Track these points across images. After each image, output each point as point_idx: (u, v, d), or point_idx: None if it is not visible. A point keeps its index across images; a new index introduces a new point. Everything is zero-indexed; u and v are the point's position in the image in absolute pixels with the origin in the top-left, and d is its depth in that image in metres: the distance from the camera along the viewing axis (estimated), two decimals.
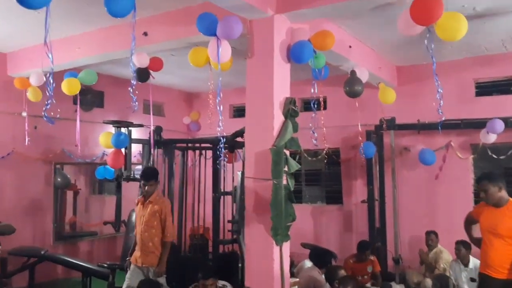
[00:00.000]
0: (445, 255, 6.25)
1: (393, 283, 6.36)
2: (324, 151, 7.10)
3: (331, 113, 7.29)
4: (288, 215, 4.18)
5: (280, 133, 4.27)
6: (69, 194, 7.84)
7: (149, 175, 4.98)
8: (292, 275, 5.40)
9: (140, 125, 6.62)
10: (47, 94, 3.19)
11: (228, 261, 6.06)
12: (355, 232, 7.90)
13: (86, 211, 8.31)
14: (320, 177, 8.61)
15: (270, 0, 4.31)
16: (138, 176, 6.47)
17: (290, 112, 4.35)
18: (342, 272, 4.77)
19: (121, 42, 5.44)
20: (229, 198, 6.72)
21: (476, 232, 4.28)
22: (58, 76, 4.59)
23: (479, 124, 6.54)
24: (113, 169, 6.36)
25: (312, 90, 4.76)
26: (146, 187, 4.87)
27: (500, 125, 6.22)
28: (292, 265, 5.64)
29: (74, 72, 6.00)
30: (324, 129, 5.50)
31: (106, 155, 7.20)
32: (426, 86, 6.98)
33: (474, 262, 5.73)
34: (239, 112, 9.41)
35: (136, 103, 3.86)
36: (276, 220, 4.09)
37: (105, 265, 5.95)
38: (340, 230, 8.14)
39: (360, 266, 6.01)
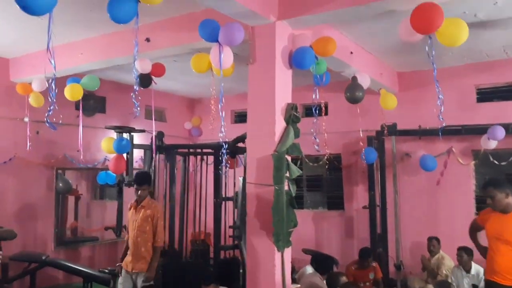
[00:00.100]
0: (447, 261, 6.23)
1: None
2: (325, 157, 7.11)
3: (332, 119, 7.30)
4: (289, 221, 4.17)
5: (282, 139, 4.27)
6: (71, 199, 7.84)
7: (142, 179, 4.97)
8: (294, 281, 5.38)
9: (142, 131, 6.63)
10: (49, 100, 3.20)
11: (229, 267, 6.05)
12: (356, 238, 7.88)
13: (87, 216, 8.31)
14: (322, 183, 8.61)
15: (272, 6, 4.33)
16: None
17: (291, 118, 4.36)
18: (344, 279, 4.76)
19: (124, 48, 5.47)
20: (230, 204, 6.72)
21: (482, 239, 4.26)
22: (61, 81, 4.62)
23: (480, 130, 6.54)
24: (114, 175, 6.36)
25: (314, 96, 4.77)
26: (139, 192, 4.88)
27: (501, 132, 6.22)
28: (293, 271, 5.63)
29: (76, 77, 6.02)
30: (325, 134, 5.51)
31: (108, 160, 7.21)
32: (427, 92, 6.99)
33: (476, 268, 5.72)
34: (240, 117, 9.43)
35: (138, 109, 3.88)
36: (278, 226, 4.09)
37: (106, 270, 5.95)
38: (341, 236, 8.12)
39: (362, 272, 6.00)
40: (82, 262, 7.50)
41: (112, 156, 6.14)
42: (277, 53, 4.34)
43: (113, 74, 7.52)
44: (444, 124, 4.16)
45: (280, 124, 4.32)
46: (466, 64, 7.10)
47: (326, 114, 6.52)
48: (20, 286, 6.37)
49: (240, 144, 6.05)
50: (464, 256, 5.72)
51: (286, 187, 4.18)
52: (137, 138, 7.02)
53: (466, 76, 7.16)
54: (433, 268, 6.26)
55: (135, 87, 3.76)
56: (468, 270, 5.72)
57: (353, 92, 5.58)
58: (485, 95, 7.22)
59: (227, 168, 6.12)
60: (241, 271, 5.61)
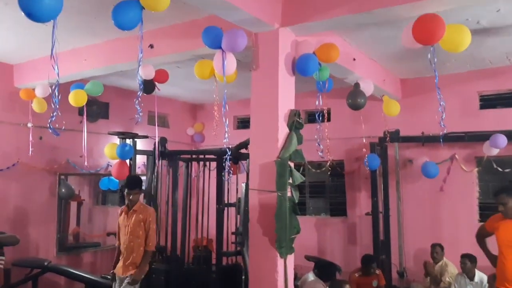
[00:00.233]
0: (451, 268, 6.20)
1: None
2: (328, 163, 7.10)
3: (335, 125, 7.30)
4: (292, 227, 4.17)
5: (285, 145, 4.27)
6: (73, 205, 7.84)
7: (134, 183, 4.95)
8: None
9: (145, 137, 6.64)
10: (52, 106, 3.21)
11: (232, 273, 6.03)
12: (359, 245, 7.85)
13: (89, 222, 8.30)
14: (324, 189, 8.59)
15: (276, 13, 4.35)
16: (142, 188, 6.49)
17: (294, 124, 4.37)
18: (347, 287, 4.74)
19: (127, 54, 5.49)
20: (233, 210, 6.71)
21: (489, 245, 4.22)
22: (64, 87, 4.63)
23: (484, 137, 6.52)
24: (117, 180, 6.37)
25: (317, 103, 4.78)
26: (131, 196, 4.84)
27: (502, 140, 6.20)
28: (295, 278, 5.60)
29: (81, 83, 6.05)
30: (328, 141, 5.51)
31: (111, 166, 7.21)
32: (430, 98, 6.94)
33: (479, 276, 5.68)
34: (243, 123, 9.43)
35: (140, 114, 3.88)
36: (281, 232, 4.08)
37: (108, 276, 5.92)
38: (344, 242, 8.09)
39: (366, 280, 5.96)
40: (84, 268, 7.49)
41: (115, 162, 6.15)
42: (280, 59, 4.35)
43: (116, 80, 7.54)
44: (446, 131, 4.15)
45: (283, 130, 4.33)
46: (469, 71, 7.10)
47: (328, 120, 6.54)
48: None
49: (243, 150, 6.05)
50: (467, 263, 5.68)
51: (289, 194, 4.17)
52: (140, 144, 7.03)
53: (469, 83, 7.15)
54: (436, 275, 6.23)
55: (138, 93, 3.77)
56: (471, 278, 5.69)
57: (355, 98, 5.58)
58: (488, 101, 7.21)
59: (230, 174, 6.12)
60: (243, 277, 5.58)
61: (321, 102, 4.78)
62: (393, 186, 7.44)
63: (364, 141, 6.51)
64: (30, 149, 6.39)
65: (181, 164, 6.95)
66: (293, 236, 4.19)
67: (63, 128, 5.35)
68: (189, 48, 5.16)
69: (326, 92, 4.96)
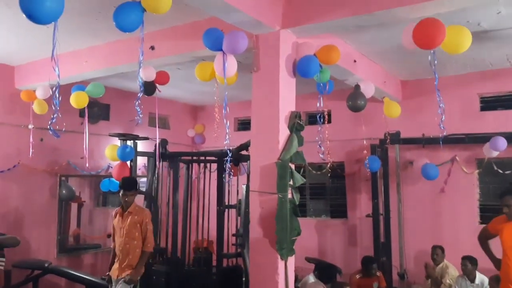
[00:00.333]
0: (451, 270, 6.20)
1: None
2: (329, 165, 7.10)
3: (335, 127, 7.31)
4: (293, 229, 4.17)
5: (286, 147, 4.28)
6: (74, 206, 7.83)
7: (130, 184, 4.93)
8: None
9: (146, 138, 6.64)
10: (53, 107, 3.21)
11: (232, 275, 6.03)
12: (359, 247, 7.84)
13: (90, 223, 8.30)
14: (325, 191, 8.59)
15: (276, 15, 4.35)
16: (143, 189, 6.49)
17: (295, 125, 4.37)
18: None
19: (128, 56, 5.49)
20: (233, 212, 6.70)
21: (492, 246, 4.21)
22: (65, 89, 4.64)
23: (484, 139, 6.52)
24: (118, 182, 6.36)
25: (318, 104, 4.78)
26: (126, 198, 4.81)
27: (503, 142, 6.19)
28: (296, 280, 5.60)
29: (82, 85, 6.05)
30: (328, 142, 5.51)
31: (111, 167, 7.21)
32: (430, 100, 6.92)
33: (480, 278, 5.68)
34: (243, 125, 9.44)
35: (141, 116, 3.88)
36: (281, 234, 4.08)
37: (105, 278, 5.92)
38: (344, 244, 8.08)
39: (366, 282, 5.95)
40: (85, 269, 7.48)
41: (116, 163, 6.15)
42: (281, 61, 4.36)
43: (116, 81, 7.55)
44: (446, 133, 4.15)
45: (284, 132, 4.33)
46: (469, 72, 7.09)
47: (329, 122, 6.54)
48: None
49: (244, 152, 6.05)
50: (468, 265, 5.68)
51: (289, 195, 4.17)
52: (141, 146, 7.03)
53: (470, 85, 7.16)
54: (437, 277, 6.22)
55: (139, 94, 3.77)
56: (472, 280, 5.68)
57: (355, 100, 5.59)
58: (489, 103, 7.21)
59: (231, 176, 6.12)
60: (244, 279, 5.58)
61: (321, 104, 4.79)
62: (394, 188, 7.44)
63: (364, 143, 6.51)
64: (31, 150, 6.39)
65: (182, 165, 6.95)
66: (293, 238, 4.19)
67: (63, 129, 5.39)
68: (190, 50, 5.16)
69: (327, 94, 4.97)
